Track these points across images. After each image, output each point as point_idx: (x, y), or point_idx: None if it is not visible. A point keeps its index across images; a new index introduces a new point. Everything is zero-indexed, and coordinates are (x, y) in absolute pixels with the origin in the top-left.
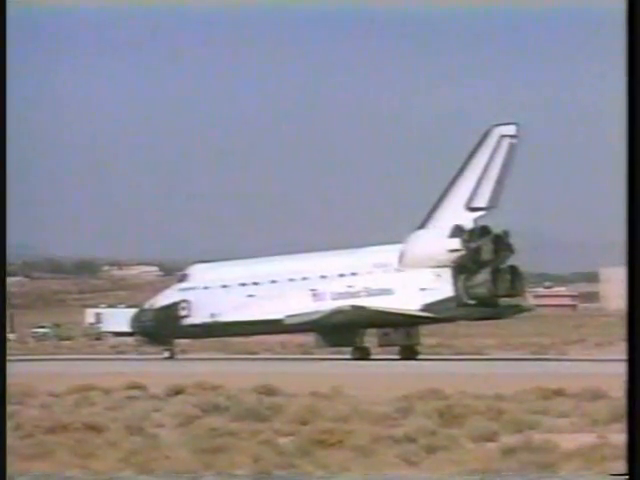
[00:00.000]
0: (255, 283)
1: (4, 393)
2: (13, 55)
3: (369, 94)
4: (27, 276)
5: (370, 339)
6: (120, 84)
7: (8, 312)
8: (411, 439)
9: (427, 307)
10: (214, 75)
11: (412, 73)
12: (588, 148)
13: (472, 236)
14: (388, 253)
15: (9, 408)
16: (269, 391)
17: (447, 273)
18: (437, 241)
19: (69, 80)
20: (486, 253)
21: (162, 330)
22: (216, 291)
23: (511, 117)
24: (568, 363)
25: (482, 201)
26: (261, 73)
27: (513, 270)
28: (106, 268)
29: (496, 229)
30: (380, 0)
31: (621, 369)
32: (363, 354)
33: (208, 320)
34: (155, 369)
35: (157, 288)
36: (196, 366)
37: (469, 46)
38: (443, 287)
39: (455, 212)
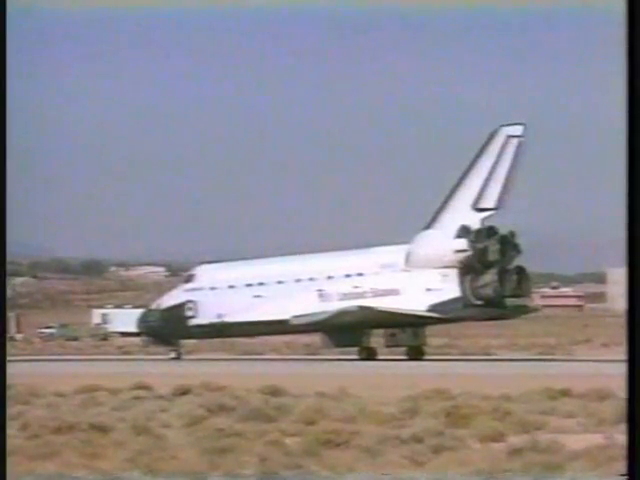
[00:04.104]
0: (261, 284)
1: (4, 393)
2: (13, 55)
3: (374, 95)
4: (34, 276)
5: (377, 339)
6: (124, 84)
7: (15, 312)
8: (418, 439)
9: (434, 307)
10: (218, 74)
11: (415, 74)
12: (596, 148)
13: (479, 236)
14: (394, 253)
15: (16, 408)
16: (275, 391)
17: (454, 273)
18: (444, 241)
19: (72, 81)
20: (493, 253)
21: (168, 330)
22: (222, 292)
23: (518, 117)
24: (574, 363)
25: (489, 201)
26: (265, 73)
27: (520, 270)
28: (113, 269)
29: (503, 229)
30: None
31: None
32: (370, 354)
33: (214, 320)
34: (161, 369)
35: (163, 289)
36: (202, 366)
37: (474, 46)
38: (450, 287)
39: (462, 212)
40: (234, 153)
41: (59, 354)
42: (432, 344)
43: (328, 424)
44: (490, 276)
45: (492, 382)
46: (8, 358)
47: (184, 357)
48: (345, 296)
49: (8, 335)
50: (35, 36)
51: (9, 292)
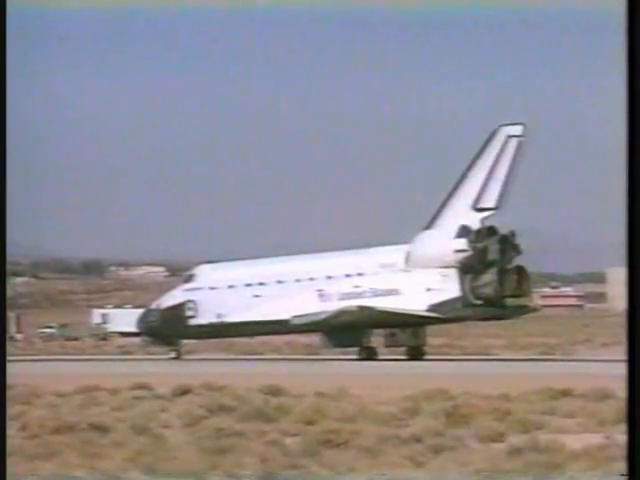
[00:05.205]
0: (261, 283)
1: (4, 393)
2: (13, 55)
3: (374, 94)
4: (34, 276)
5: (376, 339)
6: (124, 84)
7: (15, 312)
8: (417, 439)
9: (433, 307)
10: (218, 74)
11: (416, 74)
12: (596, 148)
13: (479, 236)
14: (394, 253)
15: (15, 408)
16: (275, 391)
17: (454, 273)
18: (444, 241)
19: (72, 81)
20: (492, 253)
21: (168, 330)
22: (222, 291)
23: (517, 117)
24: (574, 363)
25: (489, 201)
26: (265, 73)
27: (519, 270)
28: (113, 268)
29: (503, 229)
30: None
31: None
32: (369, 354)
33: (214, 320)
34: (161, 369)
35: (163, 288)
36: (202, 366)
37: (474, 47)
38: (450, 287)
39: (462, 212)
40: (234, 153)
41: (59, 354)
42: (432, 344)
43: (328, 424)
44: (490, 276)
45: (492, 382)
46: (8, 358)
47: (184, 357)
48: (345, 296)
49: (8, 335)
50: (35, 36)
51: (9, 292)
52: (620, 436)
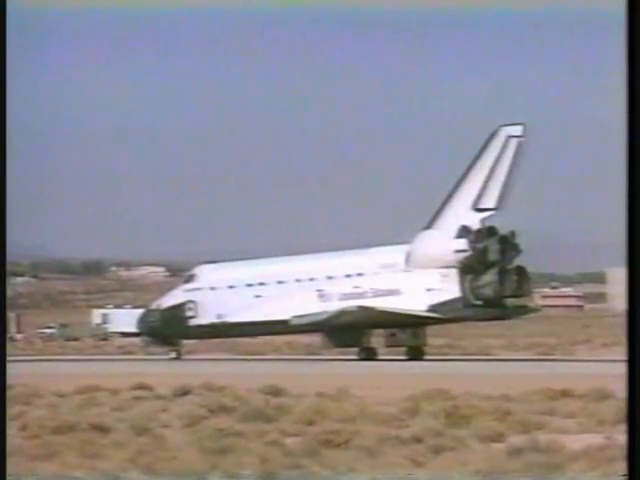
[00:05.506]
0: (262, 284)
1: (4, 393)
2: (13, 55)
3: (374, 94)
4: (34, 276)
5: (377, 339)
6: (124, 84)
7: (15, 312)
8: (418, 439)
9: (434, 308)
10: (219, 74)
11: (416, 73)
12: (596, 148)
13: (479, 237)
14: (395, 253)
15: (15, 408)
16: (276, 391)
17: (454, 274)
18: (444, 242)
19: (72, 81)
20: (493, 254)
21: (169, 331)
22: (223, 292)
23: (517, 118)
24: (574, 363)
25: (489, 202)
26: (265, 73)
27: (520, 271)
28: (113, 269)
29: (503, 229)
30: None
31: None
32: (370, 354)
33: (215, 321)
34: (162, 369)
35: (164, 289)
36: (203, 367)
37: (473, 47)
38: (450, 288)
39: (462, 213)
40: (234, 153)
41: (59, 354)
42: (432, 344)
43: (328, 424)
44: (490, 276)
45: (492, 382)
46: (8, 358)
47: (184, 357)
48: (345, 296)
49: (8, 335)
50: (35, 36)
51: (9, 292)
52: (620, 436)
